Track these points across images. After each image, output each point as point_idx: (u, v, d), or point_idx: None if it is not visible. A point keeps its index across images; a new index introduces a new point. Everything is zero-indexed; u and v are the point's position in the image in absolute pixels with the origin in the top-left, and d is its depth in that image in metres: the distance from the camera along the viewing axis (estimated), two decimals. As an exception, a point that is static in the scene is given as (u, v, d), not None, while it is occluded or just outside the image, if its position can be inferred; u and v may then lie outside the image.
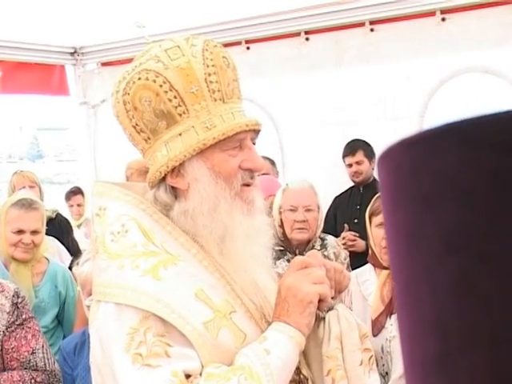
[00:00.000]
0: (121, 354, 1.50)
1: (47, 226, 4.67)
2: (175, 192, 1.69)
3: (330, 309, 1.70)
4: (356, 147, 5.33)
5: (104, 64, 7.16)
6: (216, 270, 1.66)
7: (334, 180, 5.75)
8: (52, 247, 4.88)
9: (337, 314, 1.70)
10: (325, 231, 5.00)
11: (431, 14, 5.33)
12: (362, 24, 5.67)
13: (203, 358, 1.54)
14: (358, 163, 5.33)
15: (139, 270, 1.57)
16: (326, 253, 3.91)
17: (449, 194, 0.48)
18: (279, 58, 5.91)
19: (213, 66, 1.62)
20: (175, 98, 1.60)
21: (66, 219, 5.71)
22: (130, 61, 5.81)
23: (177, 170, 1.64)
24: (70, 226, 5.69)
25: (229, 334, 1.59)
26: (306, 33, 5.93)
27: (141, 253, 1.60)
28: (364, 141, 5.41)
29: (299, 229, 3.83)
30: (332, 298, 1.72)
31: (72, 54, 7.09)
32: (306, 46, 5.96)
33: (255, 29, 5.92)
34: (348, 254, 4.07)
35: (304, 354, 1.72)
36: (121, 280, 1.57)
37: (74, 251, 5.28)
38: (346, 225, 5.11)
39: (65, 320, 4.01)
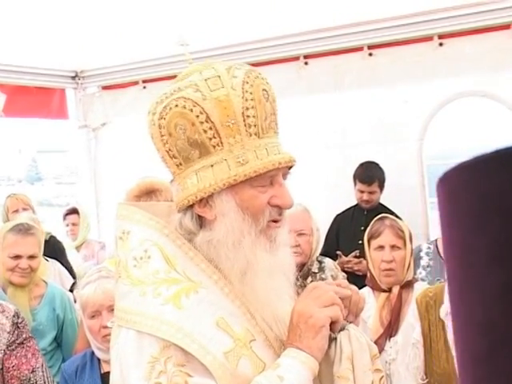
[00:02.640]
0: (141, 383, 1.52)
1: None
2: (201, 220, 1.68)
3: (342, 329, 1.70)
4: (373, 177, 5.29)
5: (104, 88, 7.20)
6: (236, 298, 1.66)
7: (335, 202, 5.74)
8: (53, 270, 4.89)
9: (348, 334, 1.69)
10: (326, 250, 5.03)
11: (429, 38, 5.36)
12: (360, 48, 5.70)
13: None
14: (371, 193, 5.33)
15: (161, 297, 1.57)
16: (323, 275, 3.93)
17: (495, 212, 0.55)
18: (278, 82, 5.90)
19: (252, 99, 1.61)
20: (210, 129, 1.59)
21: (60, 242, 5.69)
22: (130, 84, 5.85)
23: (205, 200, 1.63)
24: (64, 248, 5.69)
25: (248, 364, 1.59)
26: (305, 57, 5.96)
27: (163, 280, 1.61)
28: (379, 166, 5.39)
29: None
30: (351, 322, 1.73)
31: (73, 77, 7.14)
32: (305, 70, 6.00)
33: (255, 53, 5.96)
34: (346, 276, 4.08)
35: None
36: (142, 307, 1.58)
37: (68, 273, 5.28)
38: (338, 252, 5.15)
39: (63, 342, 4.01)
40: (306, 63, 5.99)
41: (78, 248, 6.50)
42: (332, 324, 1.65)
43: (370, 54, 5.68)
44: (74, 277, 5.36)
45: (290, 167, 1.71)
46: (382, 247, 3.50)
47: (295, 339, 1.63)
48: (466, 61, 5.22)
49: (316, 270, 3.98)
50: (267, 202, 1.64)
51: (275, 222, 1.68)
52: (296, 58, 6.00)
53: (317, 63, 5.96)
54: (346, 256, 5.13)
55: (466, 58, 5.21)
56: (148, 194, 3.30)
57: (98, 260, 6.27)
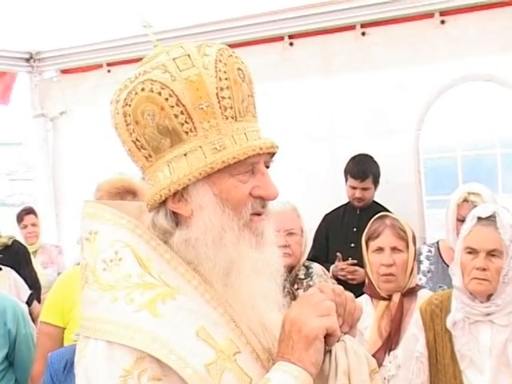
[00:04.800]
0: None
1: (1, 254, 4.56)
2: (176, 218, 1.66)
3: (337, 340, 1.65)
4: (366, 172, 5.26)
5: (64, 71, 7.13)
6: (219, 305, 1.63)
7: (321, 201, 5.73)
8: (8, 279, 4.80)
9: (344, 346, 1.65)
10: (315, 254, 4.98)
11: (429, 15, 5.33)
12: (352, 27, 5.67)
13: None
14: (364, 189, 5.29)
15: (134, 304, 1.55)
16: (311, 282, 3.90)
17: None
18: (260, 65, 5.83)
19: (226, 79, 1.60)
20: (182, 113, 1.57)
21: (25, 247, 5.63)
22: (92, 68, 5.75)
23: (179, 194, 1.61)
24: (29, 255, 5.61)
25: (233, 378, 1.56)
26: (290, 37, 5.93)
27: (136, 285, 1.58)
28: (373, 160, 5.36)
29: (281, 254, 3.80)
30: (345, 333, 1.68)
31: (27, 60, 7.04)
32: (289, 51, 5.96)
33: (234, 32, 5.91)
34: (336, 283, 4.03)
35: None
36: (113, 315, 1.55)
37: (33, 282, 5.19)
38: (338, 254, 5.05)
39: (16, 361, 3.89)
40: (290, 44, 5.96)
41: (33, 253, 6.39)
42: (327, 337, 1.61)
43: (363, 34, 5.65)
44: (37, 287, 5.28)
45: (273, 154, 1.70)
46: (381, 249, 3.45)
47: (287, 351, 1.59)
48: (470, 41, 5.20)
49: (302, 276, 3.97)
50: (249, 192, 1.63)
51: (258, 215, 1.67)
52: (280, 38, 5.97)
53: (303, 44, 5.93)
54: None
55: (471, 37, 5.18)
56: (131, 194, 3.30)
57: (58, 266, 6.19)
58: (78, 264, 3.46)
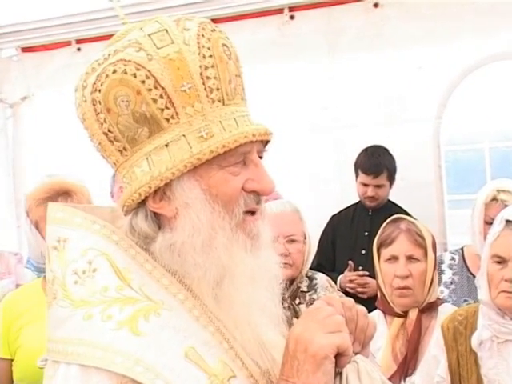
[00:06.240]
0: None
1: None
2: (158, 220, 1.67)
3: (348, 361, 1.64)
4: (380, 167, 5.25)
5: (26, 49, 7.09)
6: (210, 322, 1.63)
7: (326, 201, 5.75)
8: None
9: (356, 368, 1.63)
10: (319, 263, 4.96)
11: (453, -16, 5.32)
12: (363, -3, 5.66)
13: None
14: (377, 187, 5.29)
15: (112, 321, 1.54)
16: (314, 296, 3.92)
17: None
18: (254, 42, 5.85)
19: (210, 56, 1.60)
20: (161, 97, 1.58)
21: None
22: (59, 45, 5.73)
23: (161, 191, 1.62)
24: None
25: None
26: (291, 9, 5.93)
27: (114, 299, 1.57)
28: (388, 152, 5.35)
29: (279, 264, 3.80)
30: (357, 353, 1.67)
31: (-18, 35, 7.02)
32: (290, 26, 5.94)
33: (223, 3, 5.83)
34: (344, 296, 4.03)
35: None
36: (88, 335, 1.54)
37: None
38: (350, 262, 5.04)
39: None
40: (291, 17, 5.95)
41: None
42: (338, 357, 1.60)
43: (376, 5, 5.67)
44: None
45: (266, 143, 1.72)
46: (395, 258, 3.46)
47: (291, 373, 1.58)
48: (501, 13, 5.19)
49: (305, 289, 3.99)
50: (241, 186, 1.64)
51: (252, 213, 1.68)
52: (278, 11, 5.96)
53: (305, 17, 5.92)
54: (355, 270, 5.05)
55: (502, 9, 5.17)
56: (63, 195, 3.33)
57: (16, 277, 6.17)
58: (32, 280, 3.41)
